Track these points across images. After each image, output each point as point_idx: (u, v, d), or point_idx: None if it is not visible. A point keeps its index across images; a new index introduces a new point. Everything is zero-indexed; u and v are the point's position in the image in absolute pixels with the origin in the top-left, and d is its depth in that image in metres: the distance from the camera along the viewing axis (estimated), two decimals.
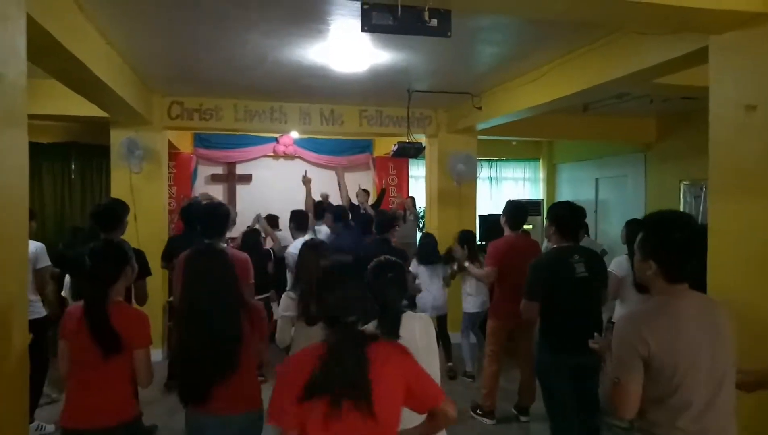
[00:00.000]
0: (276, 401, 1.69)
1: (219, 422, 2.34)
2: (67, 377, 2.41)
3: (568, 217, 3.32)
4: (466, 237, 5.34)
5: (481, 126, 6.53)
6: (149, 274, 3.79)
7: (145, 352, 2.38)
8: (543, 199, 10.06)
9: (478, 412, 4.55)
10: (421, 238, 5.78)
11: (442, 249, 5.64)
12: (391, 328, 2.08)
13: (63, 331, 2.42)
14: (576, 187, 9.58)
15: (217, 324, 2.28)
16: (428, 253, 5.50)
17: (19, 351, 2.27)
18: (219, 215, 3.56)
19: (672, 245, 1.80)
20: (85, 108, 5.20)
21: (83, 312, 2.35)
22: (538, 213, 9.38)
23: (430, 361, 2.24)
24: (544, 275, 3.27)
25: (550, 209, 3.45)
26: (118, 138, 5.93)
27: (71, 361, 2.38)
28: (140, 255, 3.79)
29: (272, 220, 6.90)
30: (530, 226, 8.21)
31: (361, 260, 2.14)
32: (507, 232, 4.54)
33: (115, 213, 3.72)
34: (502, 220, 4.57)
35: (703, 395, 1.80)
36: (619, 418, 1.88)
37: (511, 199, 5.25)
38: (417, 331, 2.28)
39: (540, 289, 3.26)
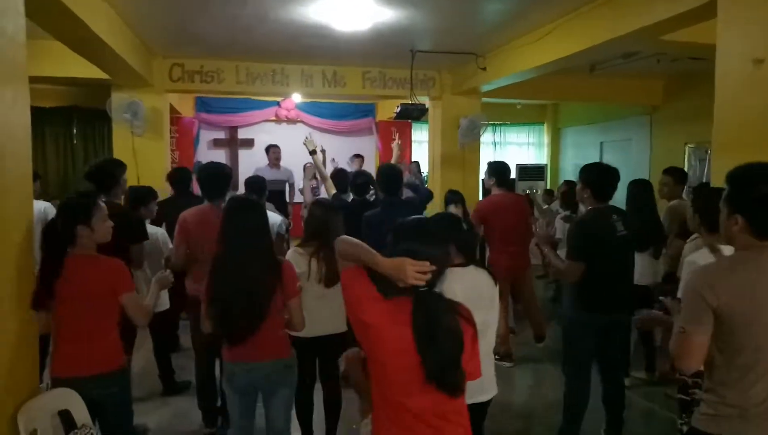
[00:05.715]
0: (355, 297, 1.69)
1: (246, 369, 2.47)
2: (53, 332, 2.43)
3: (601, 179, 3.30)
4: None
5: (485, 87, 6.46)
6: (145, 238, 3.52)
7: (131, 295, 2.43)
8: (547, 164, 10.01)
9: (497, 357, 4.67)
10: (448, 194, 5.59)
11: None
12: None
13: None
14: (580, 151, 9.52)
15: (252, 273, 2.36)
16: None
17: (25, 298, 2.31)
18: (222, 176, 3.57)
19: (761, 198, 1.67)
20: (85, 70, 5.17)
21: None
22: (542, 177, 9.35)
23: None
24: (589, 236, 3.23)
25: (582, 172, 3.38)
26: (119, 101, 5.90)
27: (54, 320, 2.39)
28: (129, 218, 3.46)
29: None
30: (536, 191, 8.13)
31: None
32: (494, 190, 4.80)
33: (107, 171, 3.43)
34: (490, 181, 4.81)
35: None
36: (679, 371, 1.79)
37: (490, 160, 5.32)
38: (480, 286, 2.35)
39: (586, 250, 3.21)
